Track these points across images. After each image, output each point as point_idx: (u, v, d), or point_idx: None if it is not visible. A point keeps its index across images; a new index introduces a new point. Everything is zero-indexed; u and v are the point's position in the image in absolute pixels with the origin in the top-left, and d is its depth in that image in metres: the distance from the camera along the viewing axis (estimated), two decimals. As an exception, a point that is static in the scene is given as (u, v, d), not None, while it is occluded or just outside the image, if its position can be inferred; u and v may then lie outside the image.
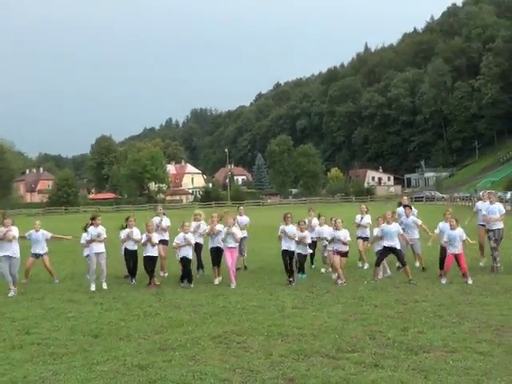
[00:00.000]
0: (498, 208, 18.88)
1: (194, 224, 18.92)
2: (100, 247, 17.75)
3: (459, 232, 17.00)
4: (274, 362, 9.32)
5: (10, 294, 16.78)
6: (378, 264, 17.53)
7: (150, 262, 17.79)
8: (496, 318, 12.02)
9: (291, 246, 17.50)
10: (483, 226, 19.37)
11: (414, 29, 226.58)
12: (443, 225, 17.72)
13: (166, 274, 19.72)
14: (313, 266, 20.66)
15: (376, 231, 18.05)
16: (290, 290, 16.23)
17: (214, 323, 12.28)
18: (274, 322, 12.12)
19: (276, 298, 15.08)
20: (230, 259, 17.59)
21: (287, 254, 17.53)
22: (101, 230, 17.89)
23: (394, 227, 17.46)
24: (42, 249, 19.46)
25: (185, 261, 17.56)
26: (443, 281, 16.63)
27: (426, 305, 13.55)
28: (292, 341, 10.64)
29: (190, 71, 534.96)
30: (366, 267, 20.02)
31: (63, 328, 12.29)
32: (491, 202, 18.99)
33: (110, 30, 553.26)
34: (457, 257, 16.82)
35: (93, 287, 17.23)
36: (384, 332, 11.03)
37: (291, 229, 17.59)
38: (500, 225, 18.70)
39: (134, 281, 18.37)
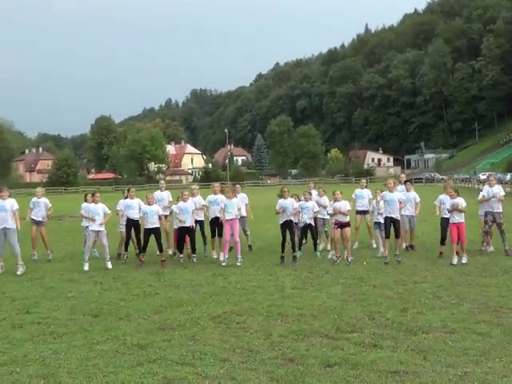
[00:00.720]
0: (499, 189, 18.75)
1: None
2: (99, 225, 17.67)
3: (459, 201, 16.97)
4: (273, 342, 9.35)
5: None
6: (387, 236, 17.46)
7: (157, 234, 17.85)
8: (495, 299, 12.05)
9: (289, 218, 17.60)
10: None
11: (415, 10, 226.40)
12: (444, 197, 17.78)
13: (171, 252, 19.68)
14: (318, 254, 19.13)
15: (375, 201, 18.14)
16: (289, 270, 16.25)
17: (214, 303, 12.31)
18: (274, 303, 12.14)
19: (276, 278, 15.11)
20: (228, 232, 17.64)
21: (286, 227, 17.65)
22: (101, 208, 17.81)
23: (396, 195, 17.49)
24: (42, 216, 19.47)
25: (185, 230, 17.61)
26: (454, 261, 16.48)
27: (425, 286, 13.56)
28: (291, 321, 10.67)
29: (189, 51, 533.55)
30: (355, 246, 20.02)
31: (63, 307, 12.32)
32: (491, 185, 18.78)
33: (109, 10, 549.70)
34: (459, 227, 16.76)
35: (86, 266, 17.16)
36: (383, 313, 11.06)
37: (289, 202, 17.63)
38: (500, 208, 18.58)
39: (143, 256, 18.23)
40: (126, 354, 8.97)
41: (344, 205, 17.61)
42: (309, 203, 18.50)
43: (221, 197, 18.34)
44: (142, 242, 17.94)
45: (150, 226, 17.69)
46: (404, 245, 19.11)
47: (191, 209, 17.69)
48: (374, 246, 19.91)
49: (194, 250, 18.05)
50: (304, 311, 11.35)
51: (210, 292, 13.48)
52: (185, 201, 17.77)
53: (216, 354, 8.82)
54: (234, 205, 17.74)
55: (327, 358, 8.45)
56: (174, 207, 18.27)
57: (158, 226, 17.84)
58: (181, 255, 17.94)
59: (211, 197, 18.54)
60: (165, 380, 7.82)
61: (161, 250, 17.86)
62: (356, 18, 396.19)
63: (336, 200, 17.69)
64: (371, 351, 8.79)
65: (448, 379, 7.59)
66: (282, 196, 17.70)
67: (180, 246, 18.01)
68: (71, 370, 8.28)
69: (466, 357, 8.41)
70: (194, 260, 18.01)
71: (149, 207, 17.79)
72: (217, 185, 18.64)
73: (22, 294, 13.89)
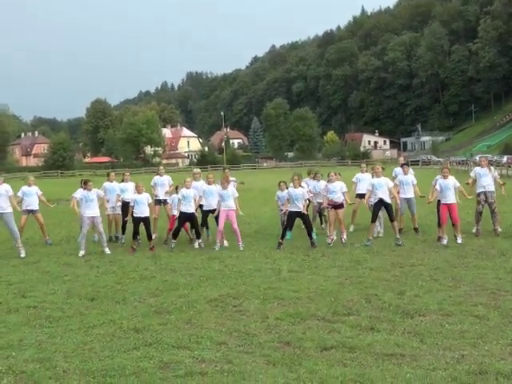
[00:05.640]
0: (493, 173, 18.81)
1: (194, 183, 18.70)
2: (94, 211, 17.35)
3: (452, 181, 16.95)
4: (270, 326, 9.33)
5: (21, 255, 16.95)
6: (373, 220, 17.44)
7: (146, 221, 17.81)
8: (492, 281, 12.03)
9: (299, 209, 17.35)
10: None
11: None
12: (439, 176, 17.77)
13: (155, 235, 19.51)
14: (323, 226, 20.37)
15: (367, 186, 18.09)
16: (286, 253, 16.22)
17: (210, 286, 12.29)
18: (270, 286, 12.13)
19: (272, 261, 15.07)
20: (223, 220, 17.54)
21: (296, 215, 17.44)
22: (94, 193, 17.62)
23: (383, 180, 17.39)
24: (35, 205, 19.41)
25: (187, 217, 17.59)
26: (444, 241, 16.54)
27: (422, 268, 13.54)
28: (288, 304, 10.65)
29: (185, 34, 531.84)
30: (351, 229, 19.97)
31: (59, 291, 12.29)
32: (482, 167, 18.81)
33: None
34: (450, 208, 16.74)
35: (81, 253, 16.94)
36: (380, 295, 11.04)
37: (300, 192, 17.40)
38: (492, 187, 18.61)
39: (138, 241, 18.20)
40: (122, 337, 8.95)
41: (339, 186, 17.55)
42: (298, 190, 18.03)
43: (216, 187, 18.16)
44: (132, 230, 17.80)
45: (139, 215, 17.57)
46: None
47: (193, 196, 17.60)
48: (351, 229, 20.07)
49: (198, 235, 17.91)
50: (300, 294, 11.33)
51: (207, 275, 13.45)
52: (188, 188, 17.67)
53: (212, 337, 8.80)
54: (229, 195, 17.66)
55: (324, 341, 8.43)
56: (174, 196, 18.24)
57: (147, 214, 17.76)
58: (173, 241, 17.73)
59: (206, 187, 18.32)
60: (161, 364, 7.80)
61: (150, 239, 17.78)
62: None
63: (329, 181, 17.65)
64: (368, 334, 8.77)
65: (445, 362, 7.57)
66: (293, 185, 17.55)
67: (176, 233, 17.83)
68: (67, 354, 8.26)
69: (463, 340, 8.40)
70: (202, 245, 17.78)
71: (138, 196, 17.69)
72: (211, 176, 18.49)
73: (17, 278, 13.86)
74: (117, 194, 18.88)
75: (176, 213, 18.12)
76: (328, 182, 17.84)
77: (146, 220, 17.67)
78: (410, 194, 18.81)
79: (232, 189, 18.03)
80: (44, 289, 12.56)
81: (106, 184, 19.31)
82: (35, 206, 19.49)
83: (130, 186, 18.85)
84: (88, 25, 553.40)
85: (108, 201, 18.83)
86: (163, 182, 19.71)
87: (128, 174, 19.55)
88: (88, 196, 17.41)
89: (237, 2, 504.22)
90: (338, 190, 17.49)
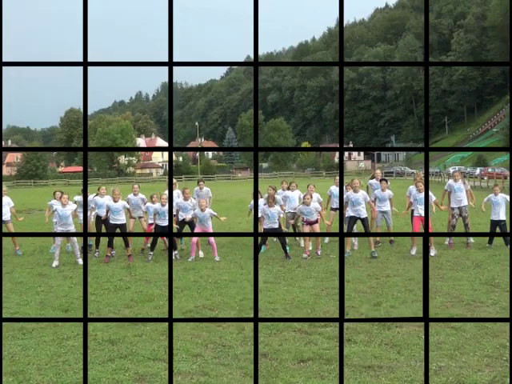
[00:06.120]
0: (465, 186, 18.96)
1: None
2: (69, 226, 17.24)
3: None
4: (246, 337, 9.27)
5: None
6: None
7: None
8: (467, 292, 12.09)
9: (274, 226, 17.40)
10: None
11: (386, 4, 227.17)
12: (412, 187, 17.85)
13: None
14: (297, 238, 20.19)
15: (344, 198, 18.12)
16: (261, 264, 16.15)
17: (186, 297, 12.22)
18: (246, 297, 12.07)
19: (248, 272, 15.01)
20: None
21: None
22: (69, 210, 17.49)
23: (361, 195, 17.42)
24: (6, 215, 19.19)
25: (161, 229, 17.48)
26: (413, 251, 16.58)
27: (397, 279, 13.58)
28: (264, 315, 10.61)
29: (159, 43, 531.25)
30: (326, 241, 19.91)
31: (32, 302, 12.15)
32: (456, 181, 18.92)
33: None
34: (423, 220, 16.73)
35: (55, 263, 16.78)
36: (356, 307, 11.05)
37: (275, 210, 17.43)
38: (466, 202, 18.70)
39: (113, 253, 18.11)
40: (97, 349, 8.84)
41: (313, 207, 17.48)
42: (273, 208, 17.99)
43: (191, 202, 18.16)
44: (108, 238, 17.71)
45: (115, 222, 17.53)
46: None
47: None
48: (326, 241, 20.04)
49: (174, 246, 17.83)
50: (276, 306, 11.31)
51: (182, 286, 13.36)
52: (163, 204, 17.55)
53: (188, 349, 8.74)
54: (206, 217, 17.55)
55: (301, 353, 8.41)
56: (150, 208, 18.17)
57: (124, 222, 17.76)
58: (151, 253, 17.63)
59: (181, 202, 18.29)
60: (136, 376, 7.73)
61: (127, 245, 17.69)
62: (327, 11, 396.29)
63: (304, 203, 17.53)
64: (345, 346, 8.73)
65: (423, 373, 7.55)
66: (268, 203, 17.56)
67: (153, 245, 17.75)
68: (41, 366, 8.15)
69: (440, 351, 8.41)
70: (178, 257, 17.69)
71: (114, 204, 17.62)
72: (187, 191, 18.46)
73: (-11, 288, 13.67)
74: (91, 207, 18.74)
75: (151, 221, 18.11)
76: (303, 203, 17.72)
77: (122, 227, 17.60)
78: (386, 208, 18.93)
79: (209, 211, 17.89)
80: (17, 300, 12.41)
81: (80, 198, 19.19)
82: (7, 217, 19.27)
83: (105, 200, 18.60)
84: (63, 32, 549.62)
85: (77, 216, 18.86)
86: (137, 203, 19.48)
87: (104, 188, 19.36)
88: (64, 212, 17.27)
89: (211, 10, 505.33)
90: (313, 211, 17.45)
